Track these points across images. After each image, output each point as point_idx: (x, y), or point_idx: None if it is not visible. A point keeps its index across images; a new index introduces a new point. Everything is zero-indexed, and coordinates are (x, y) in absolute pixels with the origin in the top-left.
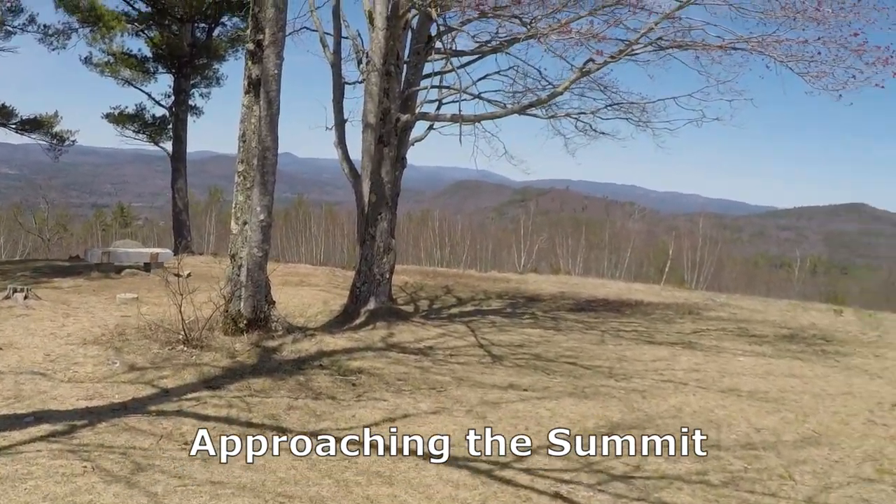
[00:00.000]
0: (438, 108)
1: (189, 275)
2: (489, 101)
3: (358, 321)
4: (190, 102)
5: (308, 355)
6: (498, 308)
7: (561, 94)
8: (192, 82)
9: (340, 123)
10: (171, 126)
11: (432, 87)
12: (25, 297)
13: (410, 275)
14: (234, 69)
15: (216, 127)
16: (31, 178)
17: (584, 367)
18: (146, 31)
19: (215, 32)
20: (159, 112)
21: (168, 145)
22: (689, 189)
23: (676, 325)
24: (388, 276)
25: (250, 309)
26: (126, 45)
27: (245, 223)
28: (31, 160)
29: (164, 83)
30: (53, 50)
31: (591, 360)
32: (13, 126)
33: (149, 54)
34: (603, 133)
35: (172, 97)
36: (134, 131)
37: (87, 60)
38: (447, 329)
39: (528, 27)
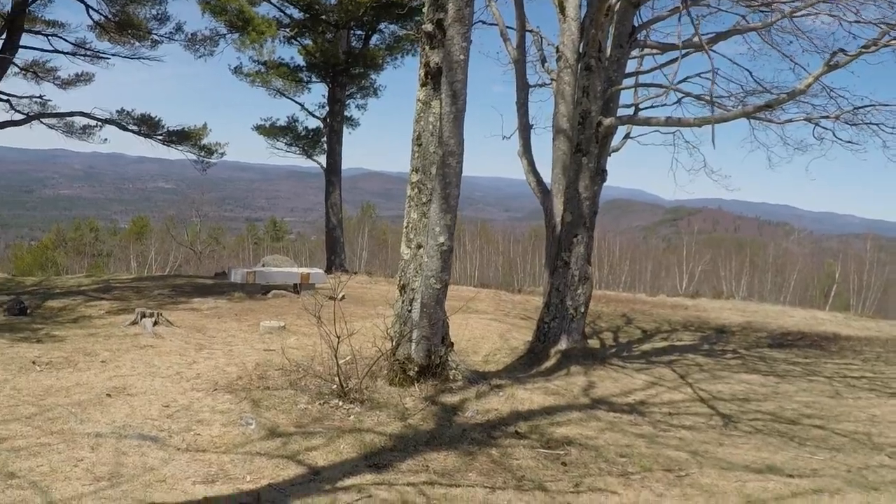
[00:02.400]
0: (635, 113)
1: (343, 297)
2: (705, 101)
3: (547, 364)
4: (345, 113)
5: (499, 417)
6: (691, 343)
7: (803, 91)
8: (347, 92)
9: (525, 129)
10: (324, 139)
11: (640, 85)
12: (155, 323)
13: None
14: (390, 79)
15: (369, 142)
16: (186, 192)
17: (838, 434)
18: (298, 39)
19: (372, 40)
20: (312, 124)
21: (321, 159)
22: (845, 209)
23: None
24: (582, 311)
25: (424, 353)
26: (277, 53)
27: (420, 247)
28: (187, 175)
29: (317, 94)
30: (200, 57)
31: (839, 423)
32: (159, 137)
33: (301, 63)
34: (848, 142)
35: (327, 108)
36: (286, 144)
37: (237, 70)
38: (652, 374)
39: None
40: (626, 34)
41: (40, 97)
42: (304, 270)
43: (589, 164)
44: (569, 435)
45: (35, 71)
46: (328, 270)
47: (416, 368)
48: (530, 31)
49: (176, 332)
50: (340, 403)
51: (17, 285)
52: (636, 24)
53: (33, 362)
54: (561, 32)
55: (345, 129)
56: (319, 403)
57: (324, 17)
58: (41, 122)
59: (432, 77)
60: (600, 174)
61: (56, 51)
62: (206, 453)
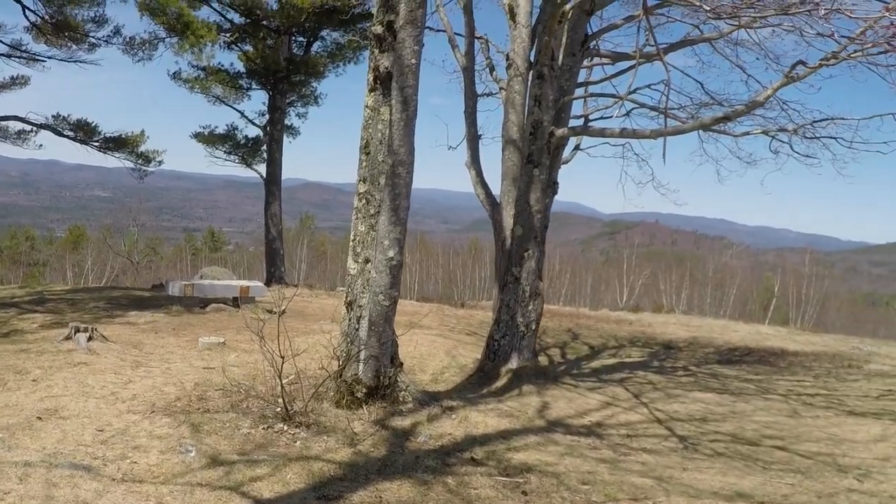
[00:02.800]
0: (585, 124)
1: (284, 311)
2: (659, 112)
3: (498, 383)
4: (286, 122)
5: (453, 442)
6: (641, 360)
7: (761, 104)
8: (287, 100)
9: (473, 139)
10: (264, 147)
11: (593, 95)
12: (90, 339)
13: None
14: (330, 88)
15: (308, 152)
16: (123, 201)
17: (801, 456)
18: (239, 44)
19: (313, 47)
20: (252, 132)
21: (261, 168)
22: (780, 223)
23: (852, 384)
24: (533, 328)
25: (372, 374)
26: (217, 58)
27: (367, 261)
28: (124, 183)
29: (257, 101)
30: (138, 61)
31: (801, 443)
32: (95, 144)
33: (241, 69)
34: (805, 156)
35: (267, 116)
36: (225, 152)
37: (176, 76)
38: (605, 394)
39: (726, 17)
40: (578, 42)
41: None
42: (244, 283)
43: (540, 176)
44: (527, 461)
45: None
46: (268, 283)
47: (365, 390)
48: (479, 39)
49: (111, 348)
50: (285, 428)
51: None
52: (588, 33)
53: None
54: (511, 39)
55: (285, 137)
56: (263, 428)
57: (265, 22)
58: None
59: (381, 82)
60: (551, 186)
61: None
62: (143, 484)
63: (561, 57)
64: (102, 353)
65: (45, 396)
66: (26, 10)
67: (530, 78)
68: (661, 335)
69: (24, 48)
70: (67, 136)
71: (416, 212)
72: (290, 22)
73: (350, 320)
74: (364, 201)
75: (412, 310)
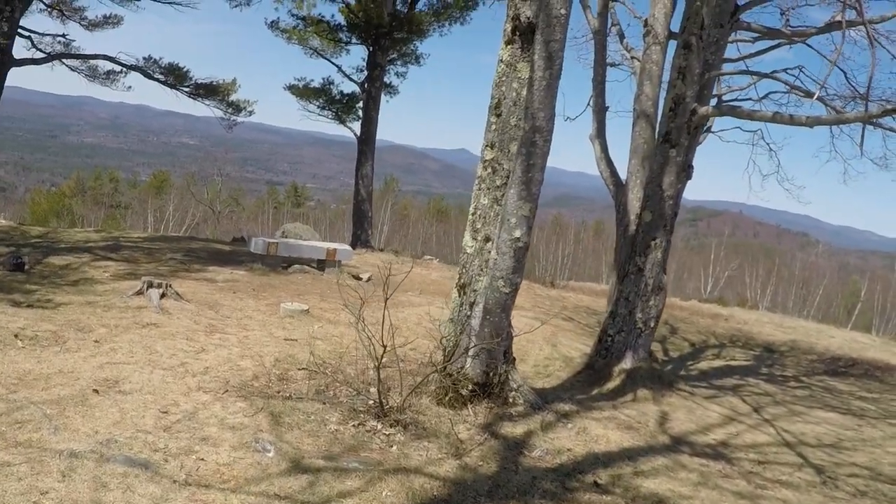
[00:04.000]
0: (718, 104)
1: (370, 278)
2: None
3: (610, 384)
4: (384, 80)
5: (573, 461)
6: (746, 364)
7: None
8: (388, 58)
9: (601, 110)
10: (360, 105)
11: (742, 72)
12: (163, 296)
13: (599, 297)
14: (432, 47)
15: (396, 114)
16: (209, 150)
17: None
18: None
19: (418, 4)
20: (348, 88)
21: (355, 126)
22: (864, 225)
23: None
24: (652, 325)
25: (482, 369)
26: (318, 9)
27: (488, 240)
28: (212, 133)
29: (355, 57)
30: (236, 6)
31: None
32: (185, 90)
33: (342, 22)
34: None
35: (365, 72)
36: (319, 107)
37: (274, 25)
38: (723, 405)
39: None
40: (727, 13)
41: (63, 36)
42: (331, 246)
43: (677, 158)
44: (658, 491)
45: (61, 9)
46: (353, 245)
47: (471, 387)
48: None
49: (185, 307)
50: (379, 426)
51: (20, 236)
52: (738, 4)
53: (16, 335)
54: (651, 3)
55: (383, 96)
56: (354, 424)
57: None
58: (63, 63)
59: (521, 34)
60: (686, 170)
61: None
62: (209, 490)
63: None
64: (175, 314)
65: (106, 363)
66: None
67: (676, 47)
68: (758, 335)
69: None
70: (157, 80)
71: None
72: None
73: (462, 305)
74: (490, 170)
75: None
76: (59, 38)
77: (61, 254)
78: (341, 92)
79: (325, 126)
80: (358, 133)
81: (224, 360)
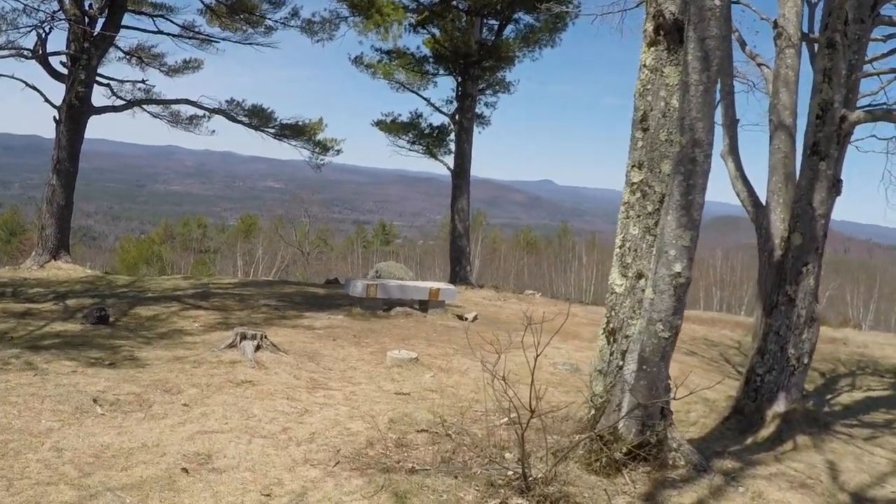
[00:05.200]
0: (871, 109)
1: (476, 318)
2: None
3: (765, 432)
4: (476, 110)
5: None
6: (887, 394)
7: None
8: (478, 87)
9: (732, 123)
10: (451, 137)
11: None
12: (258, 348)
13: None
14: (522, 73)
15: (474, 149)
16: (295, 193)
17: None
18: (426, 26)
19: (505, 31)
20: (437, 121)
21: (447, 159)
22: None
23: None
24: (806, 362)
25: (637, 428)
26: (402, 41)
27: (640, 276)
28: (297, 175)
29: (442, 89)
30: (318, 41)
31: None
32: (271, 131)
33: (427, 53)
34: None
35: (455, 103)
36: (408, 142)
37: (357, 60)
38: (885, 446)
39: None
40: (867, 6)
41: (143, 82)
42: (433, 285)
43: (827, 171)
44: None
45: (140, 56)
46: (452, 282)
47: (625, 449)
48: (736, 2)
49: (283, 360)
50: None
51: (106, 286)
52: None
53: (94, 400)
54: (780, 3)
55: (475, 127)
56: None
57: (455, 2)
58: (144, 109)
59: (666, 33)
60: (836, 185)
61: (161, 32)
62: None
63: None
64: (272, 368)
65: (197, 432)
66: None
67: (816, 48)
68: (882, 359)
69: (196, 29)
70: (241, 122)
71: (587, 210)
72: (484, 1)
73: (612, 354)
74: (639, 194)
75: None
76: (138, 85)
77: (148, 304)
78: (430, 125)
79: (409, 163)
80: (451, 166)
81: (331, 422)
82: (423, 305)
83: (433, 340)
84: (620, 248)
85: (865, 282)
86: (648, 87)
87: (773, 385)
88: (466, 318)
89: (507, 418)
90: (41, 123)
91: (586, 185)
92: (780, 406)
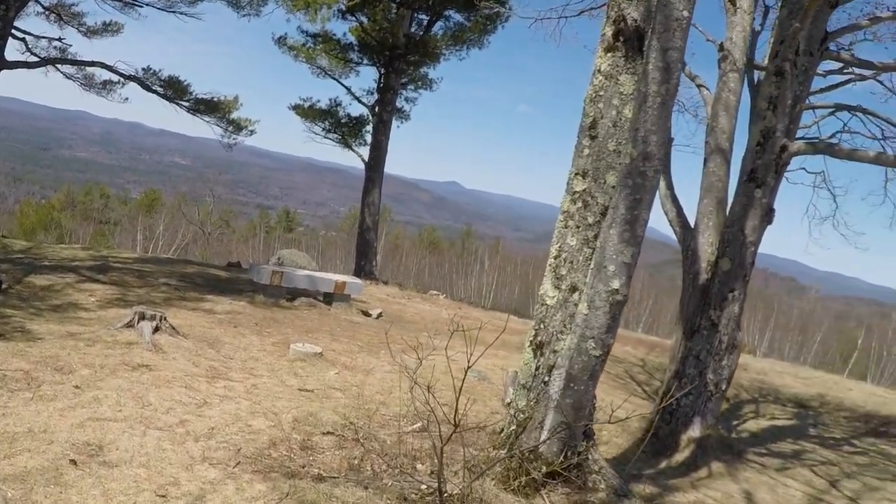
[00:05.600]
0: (812, 140)
1: (380, 315)
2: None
3: (679, 456)
4: (396, 104)
5: None
6: (791, 423)
7: None
8: (401, 81)
9: (666, 143)
10: (367, 128)
11: (838, 106)
12: (156, 329)
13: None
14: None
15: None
16: (201, 171)
17: None
18: (355, 14)
19: (434, 27)
20: (356, 111)
21: (361, 151)
22: (852, 272)
23: None
24: (723, 388)
25: (558, 448)
26: (329, 27)
27: (574, 289)
28: (204, 153)
29: (364, 79)
30: (244, 16)
31: None
32: (185, 104)
33: (353, 41)
34: None
35: (376, 95)
36: (324, 130)
37: (281, 41)
38: (796, 477)
39: None
40: (817, 39)
41: (60, 40)
42: (340, 278)
43: (762, 200)
44: None
45: (59, 13)
46: (356, 276)
47: (545, 469)
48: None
49: (182, 345)
50: None
51: (1, 249)
52: (828, 30)
53: None
54: (728, 26)
55: (394, 121)
56: None
57: None
58: (58, 69)
59: (626, 40)
60: (768, 214)
61: None
62: None
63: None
64: (170, 352)
65: (88, 418)
66: None
67: (764, 75)
68: (782, 387)
69: None
70: (156, 92)
71: (491, 216)
72: None
73: (538, 369)
74: (580, 204)
75: (518, 328)
76: (55, 43)
77: (44, 272)
78: (349, 115)
79: (318, 152)
80: (366, 159)
81: (232, 417)
82: (328, 298)
83: (337, 335)
84: (556, 258)
85: (763, 310)
86: (601, 93)
87: (690, 409)
88: (371, 315)
89: (417, 425)
90: None
91: (492, 190)
92: (695, 431)
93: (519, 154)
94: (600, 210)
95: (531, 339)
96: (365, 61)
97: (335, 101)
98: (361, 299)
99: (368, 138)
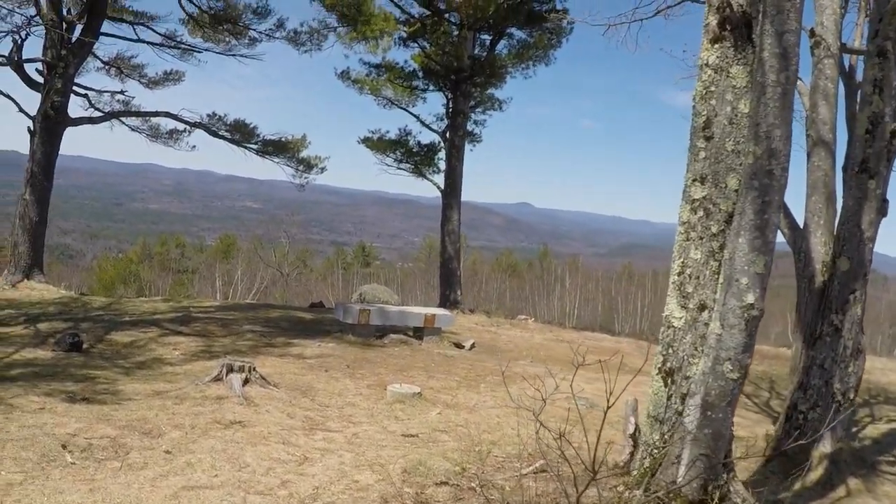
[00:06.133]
0: None
1: (473, 346)
2: None
3: (813, 475)
4: (466, 127)
5: None
6: None
7: None
8: (469, 104)
9: (790, 136)
10: (440, 155)
11: None
12: (246, 381)
13: None
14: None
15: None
16: (273, 213)
17: None
18: (417, 40)
19: (498, 46)
20: (427, 139)
21: (436, 178)
22: None
23: None
24: (851, 397)
25: (699, 484)
26: (390, 56)
27: (703, 307)
28: (274, 195)
29: (433, 105)
30: (305, 52)
31: None
32: (253, 147)
33: (416, 68)
34: None
35: (446, 121)
36: (396, 160)
37: (344, 75)
38: None
39: None
40: None
41: (122, 93)
42: (429, 311)
43: (876, 191)
44: None
45: (119, 66)
46: (442, 306)
47: None
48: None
49: (274, 395)
50: None
51: (81, 307)
52: None
53: (63, 446)
54: (817, 10)
55: (467, 145)
56: None
57: (447, 15)
58: (123, 122)
59: (734, 28)
60: (882, 206)
61: (142, 41)
62: None
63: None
64: (263, 405)
65: (182, 488)
66: (182, 0)
67: (867, 60)
68: (888, 385)
69: (178, 38)
70: (223, 137)
71: (565, 234)
72: (477, 15)
73: (670, 398)
74: (702, 213)
75: (610, 346)
76: (117, 96)
77: (125, 328)
78: (419, 143)
79: (387, 184)
80: (442, 186)
81: (336, 473)
82: (418, 332)
83: (433, 371)
84: (679, 275)
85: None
86: (712, 89)
87: (818, 423)
88: (464, 347)
89: (536, 465)
90: (19, 139)
91: (563, 207)
92: (826, 446)
93: (586, 169)
94: (724, 217)
95: (659, 366)
96: (431, 87)
97: (405, 130)
98: (452, 330)
99: (441, 165)
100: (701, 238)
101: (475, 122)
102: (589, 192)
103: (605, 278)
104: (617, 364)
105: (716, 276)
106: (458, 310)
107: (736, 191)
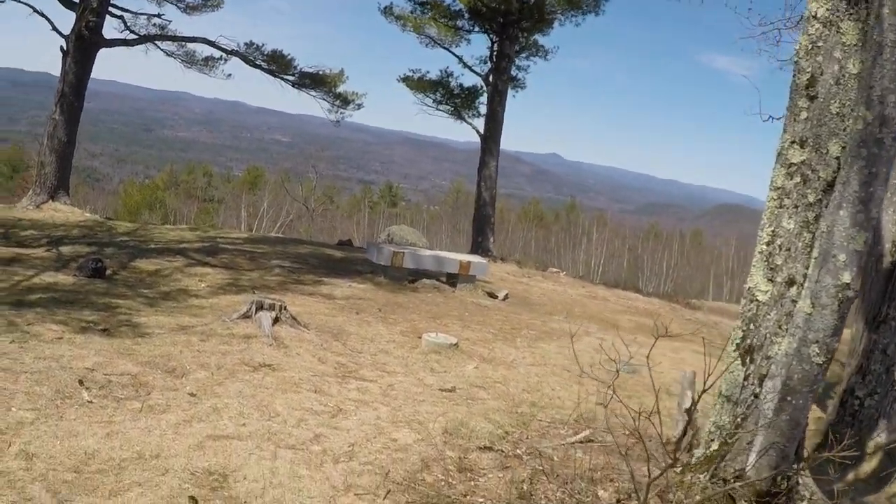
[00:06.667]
0: None
1: (507, 296)
2: None
3: (867, 466)
4: (511, 72)
5: None
6: None
7: None
8: (515, 49)
9: None
10: (481, 99)
11: None
12: (275, 321)
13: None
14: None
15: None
16: (302, 148)
17: None
18: None
19: None
20: (468, 81)
21: (476, 122)
22: None
23: None
24: None
25: (769, 473)
26: None
27: (792, 283)
28: (304, 130)
29: (476, 47)
30: None
31: None
32: (290, 79)
33: (461, 8)
34: None
35: (490, 64)
36: (435, 101)
37: (387, 11)
38: None
39: None
40: None
41: (159, 16)
42: (464, 258)
43: None
44: None
45: None
46: (474, 253)
47: (754, 498)
48: None
49: (304, 337)
50: None
51: (106, 232)
52: None
53: (80, 382)
54: None
55: (510, 91)
56: None
57: None
58: (158, 47)
59: None
60: None
61: None
62: None
63: None
64: (293, 347)
65: (208, 436)
66: None
67: None
68: None
69: None
70: (259, 67)
71: (591, 187)
72: None
73: (747, 379)
74: (798, 179)
75: (643, 307)
76: (154, 20)
77: (151, 256)
78: (461, 85)
79: (418, 126)
80: (481, 130)
81: (373, 429)
82: (451, 279)
83: (467, 321)
84: (768, 244)
85: None
86: (819, 44)
87: (874, 410)
88: (497, 297)
89: (582, 434)
90: (52, 61)
91: (593, 161)
92: (881, 435)
93: (619, 124)
94: (822, 186)
95: (738, 342)
96: (476, 29)
97: (446, 71)
98: (484, 279)
99: (482, 109)
100: (796, 206)
101: (518, 68)
102: (619, 147)
103: (633, 235)
104: (647, 324)
105: (808, 250)
106: (489, 258)
107: (837, 158)
